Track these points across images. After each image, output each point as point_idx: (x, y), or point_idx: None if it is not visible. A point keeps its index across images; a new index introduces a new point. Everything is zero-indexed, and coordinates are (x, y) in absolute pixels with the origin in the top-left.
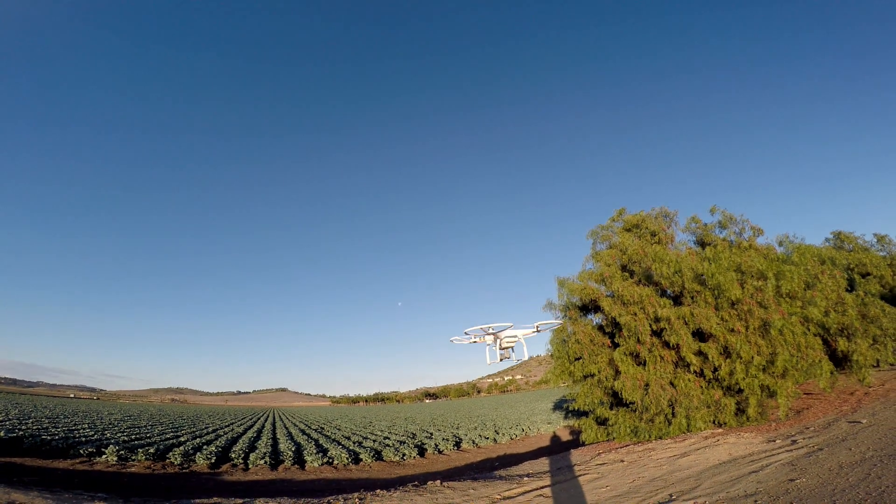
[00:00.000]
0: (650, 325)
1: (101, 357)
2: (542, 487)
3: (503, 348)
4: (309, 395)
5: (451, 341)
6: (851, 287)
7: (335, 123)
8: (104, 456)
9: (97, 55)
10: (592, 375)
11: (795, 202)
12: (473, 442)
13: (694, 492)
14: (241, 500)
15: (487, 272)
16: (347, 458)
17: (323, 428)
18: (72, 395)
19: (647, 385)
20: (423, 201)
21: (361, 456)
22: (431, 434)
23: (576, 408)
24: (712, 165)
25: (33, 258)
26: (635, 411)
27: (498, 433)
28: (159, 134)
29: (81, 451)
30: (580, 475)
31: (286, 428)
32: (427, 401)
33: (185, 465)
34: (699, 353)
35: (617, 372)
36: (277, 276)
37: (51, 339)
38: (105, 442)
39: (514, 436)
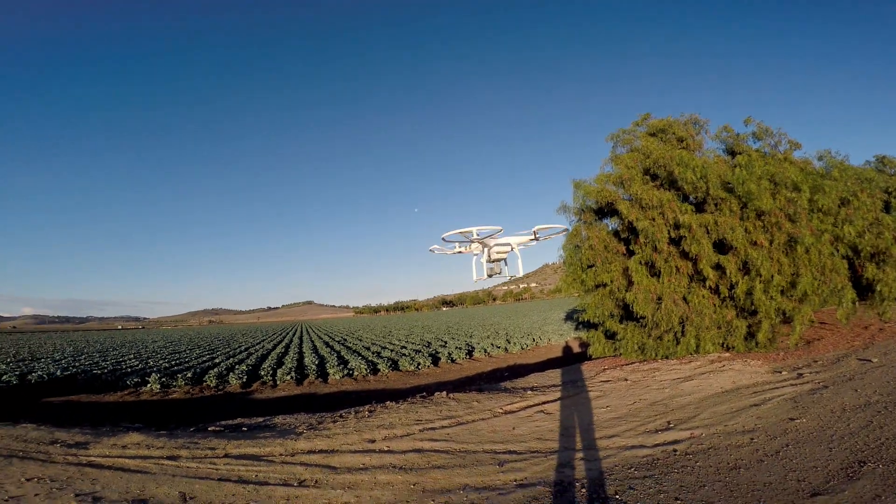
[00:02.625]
0: (668, 233)
1: (142, 285)
2: (544, 403)
3: (492, 261)
4: (334, 306)
5: (431, 251)
6: (887, 210)
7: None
8: (148, 385)
9: None
10: (605, 285)
11: (838, 124)
12: (485, 351)
13: (692, 421)
14: (261, 419)
15: (505, 176)
16: (366, 370)
17: (346, 339)
18: (119, 327)
19: (659, 299)
20: (439, 106)
21: (379, 366)
22: (446, 342)
23: (586, 319)
24: (748, 78)
25: (78, 197)
26: (645, 327)
27: (509, 343)
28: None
29: (128, 383)
30: (584, 391)
31: (312, 342)
32: (444, 309)
33: (220, 387)
34: (717, 266)
35: (630, 283)
36: (298, 190)
37: (96, 272)
38: (148, 371)
39: (524, 346)
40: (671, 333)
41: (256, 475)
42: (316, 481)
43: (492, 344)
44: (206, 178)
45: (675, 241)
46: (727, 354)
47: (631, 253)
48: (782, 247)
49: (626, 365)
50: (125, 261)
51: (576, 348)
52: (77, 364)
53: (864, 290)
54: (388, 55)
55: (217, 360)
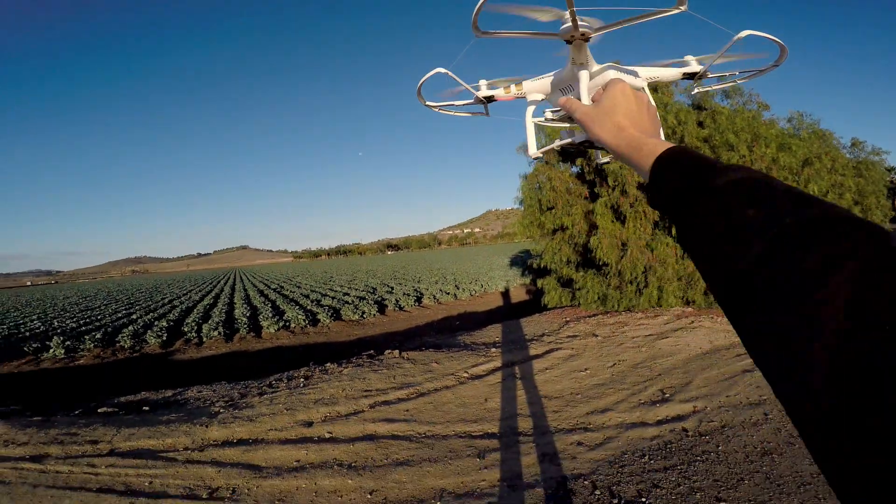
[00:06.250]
0: (638, 176)
1: (54, 235)
2: (513, 364)
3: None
4: (271, 251)
5: (427, 104)
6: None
7: None
8: (50, 350)
9: None
10: (565, 229)
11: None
12: (434, 297)
13: (687, 390)
14: (171, 392)
15: (454, 120)
16: (304, 321)
17: (282, 287)
18: (28, 283)
19: (624, 245)
20: (386, 47)
21: (319, 316)
22: (392, 288)
23: (541, 265)
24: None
25: None
26: (606, 276)
27: (458, 288)
28: None
29: (26, 349)
30: (554, 349)
31: (245, 290)
32: (389, 252)
33: (137, 348)
34: None
35: (592, 227)
36: (234, 125)
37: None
38: (51, 333)
39: (473, 292)
40: (634, 284)
41: (151, 482)
42: (233, 490)
43: (440, 290)
44: (127, 110)
45: (644, 187)
46: (690, 309)
47: (595, 196)
48: None
49: (590, 317)
50: (33, 206)
51: (523, 296)
52: None
53: None
54: None
55: (134, 317)
